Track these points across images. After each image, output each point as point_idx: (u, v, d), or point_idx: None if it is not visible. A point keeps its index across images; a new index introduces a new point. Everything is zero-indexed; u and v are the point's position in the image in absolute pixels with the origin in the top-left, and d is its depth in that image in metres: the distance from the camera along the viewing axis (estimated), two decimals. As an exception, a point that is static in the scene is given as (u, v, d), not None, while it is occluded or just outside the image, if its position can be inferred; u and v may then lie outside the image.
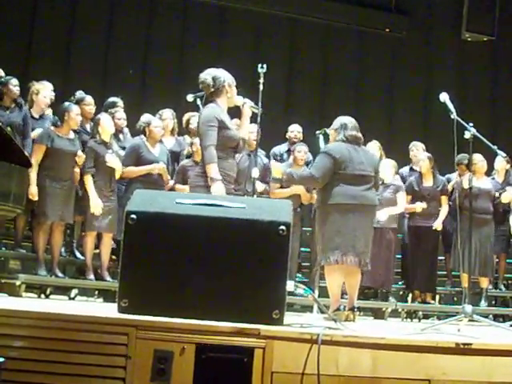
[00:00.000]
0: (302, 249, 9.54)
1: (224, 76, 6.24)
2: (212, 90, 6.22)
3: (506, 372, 4.11)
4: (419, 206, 9.40)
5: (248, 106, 6.48)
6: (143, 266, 4.39)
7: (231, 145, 6.16)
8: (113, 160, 8.25)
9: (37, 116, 8.51)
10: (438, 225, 9.41)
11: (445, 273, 10.04)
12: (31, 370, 3.88)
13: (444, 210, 9.52)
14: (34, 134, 8.25)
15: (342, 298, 6.96)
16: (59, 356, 3.93)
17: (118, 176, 8.37)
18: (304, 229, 9.46)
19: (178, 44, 13.34)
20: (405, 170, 10.10)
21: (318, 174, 6.69)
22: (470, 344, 4.14)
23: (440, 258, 9.88)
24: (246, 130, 6.57)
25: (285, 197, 8.81)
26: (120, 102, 9.04)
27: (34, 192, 7.83)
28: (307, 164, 9.32)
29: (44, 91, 8.50)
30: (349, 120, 6.97)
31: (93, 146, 8.28)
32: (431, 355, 4.09)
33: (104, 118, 8.38)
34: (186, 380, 3.90)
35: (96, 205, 8.12)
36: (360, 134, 6.92)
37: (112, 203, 8.26)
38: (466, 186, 8.75)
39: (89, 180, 8.19)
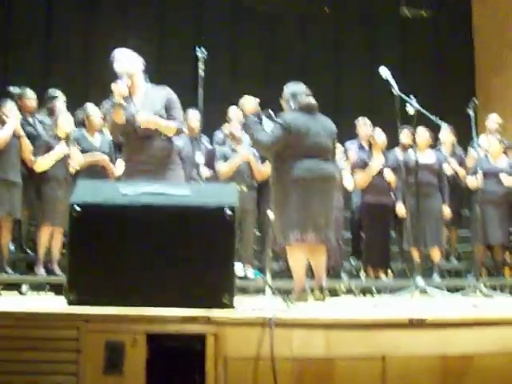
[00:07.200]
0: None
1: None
2: None
3: (461, 344, 4.12)
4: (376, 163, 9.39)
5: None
6: (90, 258, 4.35)
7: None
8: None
9: None
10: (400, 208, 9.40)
11: (397, 249, 10.08)
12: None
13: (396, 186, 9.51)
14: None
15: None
16: (9, 354, 3.87)
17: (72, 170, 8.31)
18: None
19: (119, 34, 13.20)
20: (353, 145, 10.13)
21: (271, 141, 6.10)
22: (424, 318, 4.14)
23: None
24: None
25: (234, 169, 8.73)
26: (59, 93, 8.91)
27: None
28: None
29: None
30: (297, 87, 6.41)
31: (45, 138, 8.23)
32: (385, 331, 4.07)
33: (63, 117, 8.33)
34: (139, 370, 3.86)
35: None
36: (314, 101, 6.31)
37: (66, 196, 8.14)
38: (410, 160, 8.82)
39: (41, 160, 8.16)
